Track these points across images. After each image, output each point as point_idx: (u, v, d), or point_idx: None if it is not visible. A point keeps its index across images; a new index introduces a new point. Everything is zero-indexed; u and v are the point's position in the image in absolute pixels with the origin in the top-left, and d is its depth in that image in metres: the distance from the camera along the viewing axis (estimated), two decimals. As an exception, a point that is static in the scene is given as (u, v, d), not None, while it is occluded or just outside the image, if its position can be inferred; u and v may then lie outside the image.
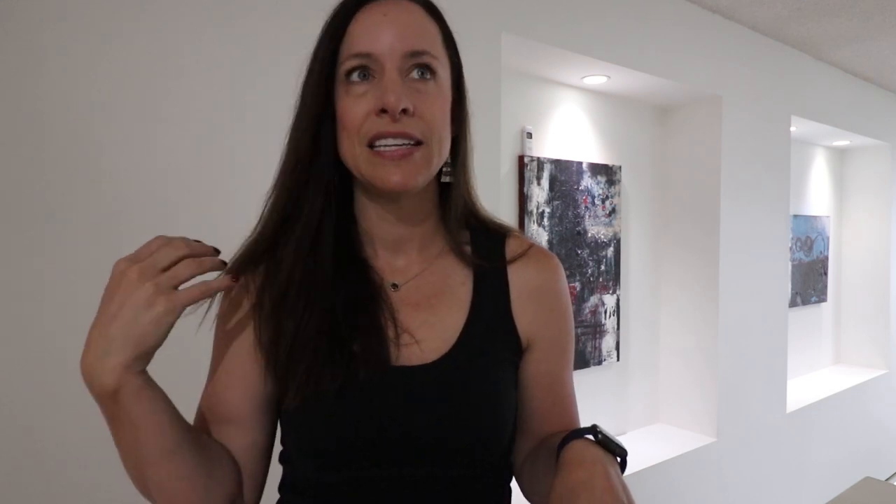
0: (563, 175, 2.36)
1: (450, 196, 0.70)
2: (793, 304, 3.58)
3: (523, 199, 2.23)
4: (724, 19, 2.57)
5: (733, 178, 2.65)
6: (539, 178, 2.27)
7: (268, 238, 0.67)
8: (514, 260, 0.72)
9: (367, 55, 0.61)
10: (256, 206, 0.71)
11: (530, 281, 0.72)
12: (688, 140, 2.72)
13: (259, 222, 0.68)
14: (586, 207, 2.45)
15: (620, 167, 2.58)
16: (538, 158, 2.27)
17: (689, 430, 2.71)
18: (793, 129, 3.26)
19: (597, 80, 2.34)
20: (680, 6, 2.37)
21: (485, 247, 0.72)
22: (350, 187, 0.69)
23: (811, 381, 3.69)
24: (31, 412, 1.15)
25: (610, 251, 2.55)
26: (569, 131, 2.43)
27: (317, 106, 0.63)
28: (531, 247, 0.74)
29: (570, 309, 0.75)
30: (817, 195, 3.88)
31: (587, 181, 2.45)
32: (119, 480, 1.23)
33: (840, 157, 4.09)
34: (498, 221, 0.76)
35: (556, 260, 0.75)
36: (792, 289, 3.58)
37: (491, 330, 0.69)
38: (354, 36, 0.62)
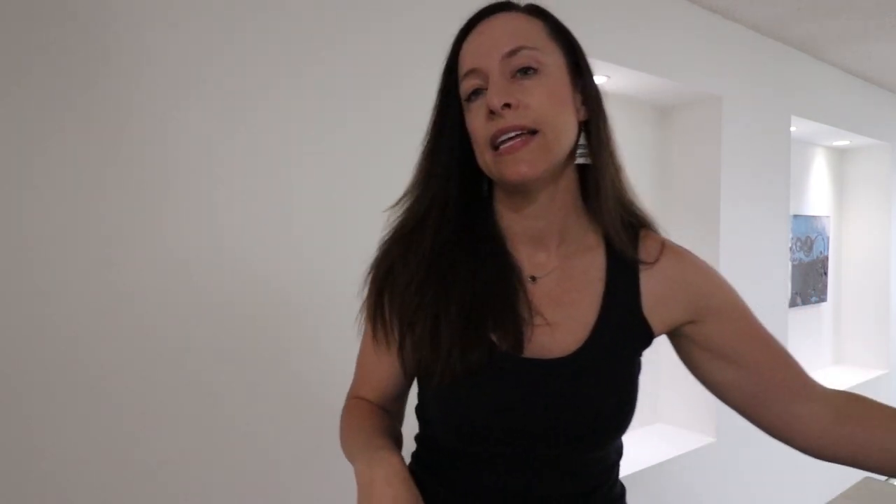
0: (563, 175, 2.35)
1: (593, 181, 0.73)
2: (793, 304, 3.57)
3: (523, 199, 2.22)
4: (724, 19, 2.56)
5: (733, 178, 2.64)
6: (539, 178, 2.26)
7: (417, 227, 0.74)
8: (647, 259, 0.76)
9: (474, 70, 0.69)
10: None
11: (667, 276, 0.75)
12: (688, 140, 2.71)
13: (408, 216, 0.75)
14: (586, 207, 2.44)
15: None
16: (538, 158, 2.26)
17: (689, 430, 2.71)
18: (793, 129, 3.26)
19: (597, 80, 2.33)
20: (680, 6, 2.37)
21: (620, 240, 0.75)
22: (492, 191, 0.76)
23: (811, 381, 3.69)
24: (30, 409, 1.15)
25: (610, 251, 2.54)
26: (569, 131, 2.42)
27: (451, 125, 0.73)
28: (663, 245, 0.78)
29: (726, 282, 0.78)
30: (817, 195, 3.87)
31: (587, 181, 2.44)
32: (117, 480, 1.22)
33: (840, 157, 4.09)
34: (636, 211, 0.79)
35: (690, 254, 0.79)
36: (792, 289, 3.58)
37: (621, 327, 0.73)
38: (463, 59, 0.71)
